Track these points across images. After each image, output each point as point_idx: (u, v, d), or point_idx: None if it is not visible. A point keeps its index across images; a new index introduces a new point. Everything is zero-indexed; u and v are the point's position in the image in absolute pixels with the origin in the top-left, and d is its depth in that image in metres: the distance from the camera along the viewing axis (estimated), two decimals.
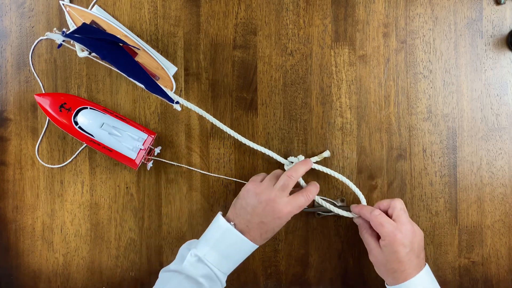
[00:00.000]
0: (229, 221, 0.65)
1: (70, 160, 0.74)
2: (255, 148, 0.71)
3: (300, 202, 0.64)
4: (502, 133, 0.72)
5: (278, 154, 0.72)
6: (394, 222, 0.63)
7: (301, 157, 0.70)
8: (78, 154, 0.74)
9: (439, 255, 0.73)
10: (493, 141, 0.72)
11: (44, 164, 0.74)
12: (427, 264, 0.65)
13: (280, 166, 0.73)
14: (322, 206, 0.71)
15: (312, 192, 0.66)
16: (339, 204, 0.72)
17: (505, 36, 0.72)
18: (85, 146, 0.73)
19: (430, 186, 0.73)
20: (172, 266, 0.65)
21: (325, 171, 0.70)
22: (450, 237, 0.73)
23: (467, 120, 0.72)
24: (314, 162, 0.71)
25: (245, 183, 0.70)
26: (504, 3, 0.72)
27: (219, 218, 0.65)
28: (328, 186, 0.73)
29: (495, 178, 0.72)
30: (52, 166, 0.74)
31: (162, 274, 0.65)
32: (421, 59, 0.72)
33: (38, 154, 0.74)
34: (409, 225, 0.63)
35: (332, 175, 0.70)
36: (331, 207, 0.70)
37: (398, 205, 0.64)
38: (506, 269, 0.73)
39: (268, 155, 0.72)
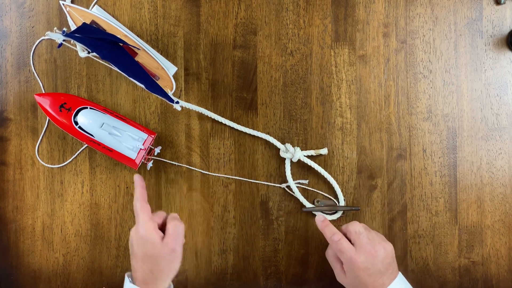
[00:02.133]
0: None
1: (70, 160, 0.74)
2: (255, 134, 0.71)
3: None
4: (502, 133, 0.72)
5: (278, 154, 0.72)
6: (353, 247, 0.62)
7: (297, 148, 0.70)
8: (78, 154, 0.74)
9: (439, 255, 0.73)
10: (493, 141, 0.72)
11: (44, 164, 0.74)
12: (399, 274, 0.63)
13: (278, 157, 0.73)
14: (321, 206, 0.71)
15: (173, 220, 0.62)
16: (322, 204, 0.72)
17: (505, 36, 0.72)
18: (86, 146, 0.73)
19: (430, 186, 0.73)
20: None
21: (311, 165, 0.71)
22: (450, 237, 0.73)
23: (467, 120, 0.72)
24: (308, 156, 0.71)
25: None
26: (504, 3, 0.72)
27: (125, 281, 0.62)
28: (328, 185, 0.73)
29: (495, 178, 0.72)
30: (52, 166, 0.74)
31: None
32: (421, 59, 0.72)
33: (38, 154, 0.74)
34: (369, 247, 0.61)
35: (317, 169, 0.71)
36: (329, 208, 0.70)
37: (352, 229, 0.63)
38: (506, 269, 0.73)
39: (268, 156, 0.72)
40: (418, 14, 0.72)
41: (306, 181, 0.72)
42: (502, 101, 0.72)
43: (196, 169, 0.73)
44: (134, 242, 0.61)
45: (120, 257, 0.74)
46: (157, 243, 0.59)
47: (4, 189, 0.74)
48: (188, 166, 0.73)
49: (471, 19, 0.72)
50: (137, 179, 0.63)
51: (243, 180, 0.73)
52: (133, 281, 0.61)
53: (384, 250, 0.62)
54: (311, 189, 0.73)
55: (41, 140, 0.74)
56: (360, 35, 0.72)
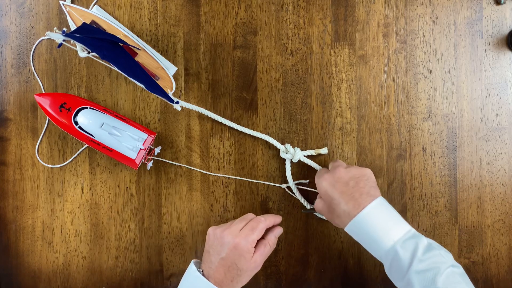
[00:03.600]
0: (200, 268, 0.64)
1: (70, 160, 0.74)
2: (255, 135, 0.71)
3: (263, 248, 0.64)
4: (502, 133, 0.72)
5: (278, 154, 0.72)
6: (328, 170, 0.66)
7: (297, 149, 0.70)
8: (78, 154, 0.74)
9: None
10: (493, 141, 0.72)
11: (44, 164, 0.74)
12: (378, 198, 0.61)
13: (278, 157, 0.73)
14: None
15: (271, 240, 0.65)
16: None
17: (505, 36, 0.72)
18: (86, 146, 0.73)
19: (430, 186, 0.73)
20: None
21: (311, 165, 0.71)
22: (450, 237, 0.73)
23: (467, 120, 0.72)
24: (308, 156, 0.72)
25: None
26: (504, 3, 0.72)
27: (190, 265, 0.64)
28: None
29: (495, 178, 0.72)
30: (52, 166, 0.74)
31: None
32: (421, 59, 0.72)
33: (38, 154, 0.74)
34: (339, 168, 0.64)
35: (317, 169, 0.71)
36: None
37: (330, 163, 0.68)
38: (506, 269, 0.73)
39: (268, 156, 0.72)
40: (418, 14, 0.72)
41: (306, 181, 0.72)
42: (502, 101, 0.72)
43: (196, 169, 0.73)
44: (227, 246, 0.62)
45: (120, 257, 0.74)
46: (249, 260, 0.62)
47: (4, 189, 0.74)
48: (187, 166, 0.73)
49: (471, 19, 0.72)
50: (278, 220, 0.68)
51: (243, 180, 0.73)
52: (204, 274, 0.63)
53: (356, 169, 0.64)
54: (312, 190, 0.73)
55: (41, 140, 0.74)
56: (360, 35, 0.72)
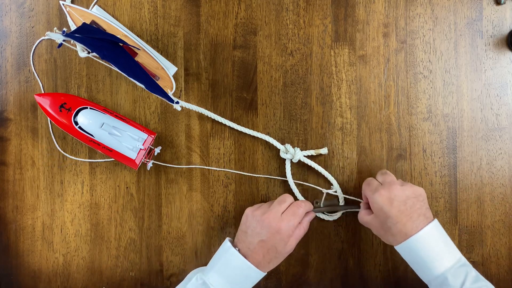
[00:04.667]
0: (235, 247, 0.65)
1: (82, 159, 0.74)
2: (255, 135, 0.71)
3: (300, 228, 0.66)
4: (502, 133, 0.72)
5: (278, 154, 0.72)
6: (380, 183, 0.65)
7: (297, 149, 0.70)
8: (78, 154, 0.74)
9: None
10: (493, 141, 0.72)
11: (71, 157, 0.74)
12: (434, 221, 0.62)
13: (278, 157, 0.73)
14: (320, 207, 0.71)
15: (305, 224, 0.67)
16: (335, 202, 0.72)
17: (505, 36, 0.72)
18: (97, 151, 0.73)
19: (430, 186, 0.73)
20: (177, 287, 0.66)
21: (311, 165, 0.71)
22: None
23: (467, 120, 0.72)
24: (308, 156, 0.72)
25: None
26: (504, 3, 0.72)
27: (225, 242, 0.65)
28: (329, 185, 0.73)
29: (495, 178, 0.72)
30: (78, 159, 0.74)
31: None
32: (421, 59, 0.72)
33: (62, 150, 0.74)
34: (393, 183, 0.63)
35: (317, 169, 0.71)
36: (335, 207, 0.71)
37: (378, 173, 0.67)
38: (506, 269, 0.73)
39: (268, 156, 0.72)
40: (418, 14, 0.72)
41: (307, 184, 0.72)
42: (502, 101, 0.72)
43: (196, 166, 0.73)
44: (268, 229, 0.63)
45: (120, 257, 0.74)
46: (287, 243, 0.64)
47: (4, 189, 0.74)
48: (187, 166, 0.73)
49: (471, 19, 0.72)
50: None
51: (243, 180, 0.73)
52: (245, 254, 0.64)
53: (411, 187, 0.63)
54: (313, 185, 0.72)
55: (41, 139, 0.74)
56: (360, 35, 0.72)
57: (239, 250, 0.64)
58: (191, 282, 0.64)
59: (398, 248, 0.62)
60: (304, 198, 0.72)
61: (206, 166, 0.73)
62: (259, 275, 0.64)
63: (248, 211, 0.66)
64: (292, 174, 0.72)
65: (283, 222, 0.64)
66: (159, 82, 0.69)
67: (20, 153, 0.74)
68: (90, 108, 0.70)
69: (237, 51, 0.73)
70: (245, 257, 0.63)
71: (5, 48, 0.74)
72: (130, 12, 0.73)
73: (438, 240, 0.61)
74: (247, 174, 0.73)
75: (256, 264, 0.63)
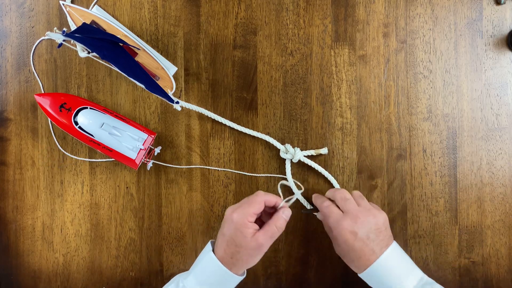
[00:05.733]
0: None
1: (68, 157, 0.74)
2: (255, 135, 0.71)
3: (270, 229, 0.62)
4: (502, 133, 0.72)
5: (278, 154, 0.72)
6: (341, 212, 0.64)
7: (297, 149, 0.70)
8: (78, 154, 0.74)
9: (439, 255, 0.73)
10: (493, 141, 0.72)
11: (70, 155, 0.74)
12: (393, 243, 0.63)
13: (278, 157, 0.73)
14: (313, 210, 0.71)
15: (278, 222, 0.62)
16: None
17: (505, 36, 0.72)
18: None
19: (430, 186, 0.73)
20: None
21: (311, 165, 0.71)
22: (450, 237, 0.73)
23: (467, 120, 0.72)
24: (308, 156, 0.71)
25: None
26: (504, 3, 0.72)
27: (208, 245, 0.64)
28: (329, 185, 0.73)
29: (495, 178, 0.72)
30: (78, 158, 0.74)
31: None
32: (421, 59, 0.72)
33: (64, 151, 0.74)
34: (356, 212, 0.62)
35: (317, 169, 0.71)
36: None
37: (338, 196, 0.65)
38: (506, 269, 0.73)
39: (268, 156, 0.72)
40: (418, 14, 0.72)
41: (301, 191, 0.71)
42: (502, 101, 0.72)
43: (197, 166, 0.73)
44: (226, 221, 0.62)
45: (120, 257, 0.74)
46: (247, 236, 0.60)
47: (4, 189, 0.74)
48: (187, 166, 0.73)
49: (471, 19, 0.72)
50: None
51: (243, 179, 0.73)
52: (214, 251, 0.62)
53: (374, 217, 0.63)
54: (318, 173, 0.72)
55: (42, 139, 0.74)
56: (360, 35, 0.72)
57: (213, 250, 0.63)
58: (171, 286, 0.63)
59: (361, 276, 0.63)
60: (304, 198, 0.72)
61: (206, 166, 0.73)
62: (233, 278, 0.62)
63: (227, 209, 0.64)
64: (292, 174, 0.72)
65: (236, 211, 0.61)
66: (159, 82, 0.69)
67: (20, 153, 0.74)
68: (90, 108, 0.70)
69: (237, 51, 0.73)
70: (216, 254, 0.62)
71: (5, 48, 0.74)
72: (130, 12, 0.73)
73: (399, 262, 0.62)
74: (247, 174, 0.73)
75: (221, 260, 0.61)
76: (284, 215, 0.62)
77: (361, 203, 0.65)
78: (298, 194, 0.70)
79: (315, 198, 0.68)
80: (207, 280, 0.62)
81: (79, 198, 0.74)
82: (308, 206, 0.72)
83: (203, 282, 0.62)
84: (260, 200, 0.62)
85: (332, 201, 0.66)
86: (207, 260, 0.62)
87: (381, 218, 0.63)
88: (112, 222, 0.74)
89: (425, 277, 0.63)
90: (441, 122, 0.72)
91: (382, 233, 0.63)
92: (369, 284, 0.63)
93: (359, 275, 0.64)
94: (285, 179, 0.72)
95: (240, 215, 0.60)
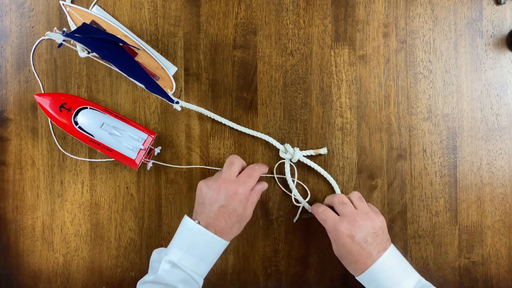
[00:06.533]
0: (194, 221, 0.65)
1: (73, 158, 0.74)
2: (255, 135, 0.72)
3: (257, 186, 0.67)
4: (502, 133, 0.72)
5: (278, 154, 0.72)
6: (337, 216, 0.65)
7: (297, 149, 0.70)
8: (78, 154, 0.74)
9: (439, 255, 0.73)
10: (493, 141, 0.72)
11: (69, 155, 0.74)
12: (390, 247, 0.64)
13: (278, 157, 0.73)
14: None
15: (258, 191, 0.67)
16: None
17: (505, 36, 0.72)
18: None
19: (430, 186, 0.73)
20: (147, 277, 0.64)
21: (311, 165, 0.71)
22: (450, 237, 0.73)
23: (467, 120, 0.72)
24: (307, 156, 0.72)
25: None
26: (504, 3, 0.72)
27: (186, 220, 0.65)
28: (328, 185, 0.73)
29: (495, 178, 0.72)
30: (78, 158, 0.74)
31: (140, 286, 0.64)
32: (421, 59, 0.72)
33: (64, 151, 0.74)
34: (353, 215, 0.64)
35: (317, 169, 0.71)
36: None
37: (336, 200, 0.66)
38: (506, 269, 0.73)
39: (268, 156, 0.72)
40: (418, 14, 0.72)
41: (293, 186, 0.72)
42: (502, 101, 0.72)
43: (197, 166, 0.73)
44: (226, 193, 0.64)
45: (120, 257, 0.74)
46: (246, 206, 0.65)
47: (4, 189, 0.74)
48: (187, 166, 0.73)
49: (471, 19, 0.72)
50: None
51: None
52: (202, 224, 0.64)
53: (371, 220, 0.64)
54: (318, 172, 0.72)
55: (42, 139, 0.74)
56: (360, 35, 0.72)
57: (199, 223, 0.64)
58: (160, 268, 0.63)
59: (359, 279, 0.64)
60: (304, 198, 0.72)
61: (206, 166, 0.73)
62: (221, 244, 0.64)
63: (201, 183, 0.66)
64: (292, 174, 0.72)
65: (239, 184, 0.64)
66: (159, 82, 0.69)
67: (20, 153, 0.74)
68: (90, 108, 0.70)
69: (237, 51, 0.73)
70: (207, 227, 0.63)
71: (5, 48, 0.74)
72: (130, 12, 0.73)
73: (396, 266, 0.63)
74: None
75: (220, 231, 0.63)
76: (262, 187, 0.69)
77: (358, 206, 0.65)
78: (304, 203, 0.71)
79: (314, 207, 0.69)
80: (201, 253, 0.63)
81: (79, 198, 0.74)
82: (307, 206, 0.72)
83: (202, 258, 0.64)
84: (258, 175, 0.67)
85: (332, 207, 0.68)
86: (208, 241, 0.63)
87: (379, 221, 0.64)
88: (112, 222, 0.74)
89: (422, 280, 0.63)
90: (441, 122, 0.72)
91: (379, 236, 0.63)
92: (367, 287, 0.64)
93: (357, 278, 0.64)
94: (285, 179, 0.72)
95: (244, 189, 0.64)
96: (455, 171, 0.72)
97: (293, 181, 0.71)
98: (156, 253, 0.66)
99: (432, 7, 0.72)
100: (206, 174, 0.73)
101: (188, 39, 0.73)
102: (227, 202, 0.63)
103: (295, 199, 0.71)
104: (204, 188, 0.65)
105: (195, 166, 0.73)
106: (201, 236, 0.63)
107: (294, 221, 0.72)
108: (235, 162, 0.66)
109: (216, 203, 0.64)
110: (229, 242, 0.65)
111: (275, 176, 0.73)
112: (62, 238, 0.74)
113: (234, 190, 0.64)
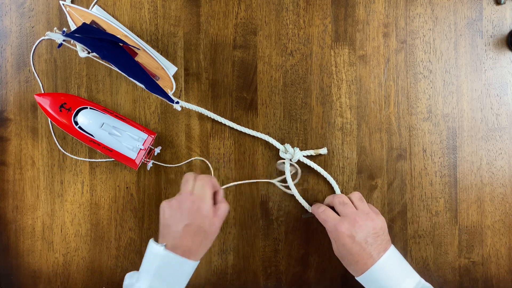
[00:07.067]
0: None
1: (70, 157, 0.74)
2: (255, 135, 0.71)
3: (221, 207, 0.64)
4: (502, 133, 0.72)
5: (278, 154, 0.72)
6: (337, 216, 0.65)
7: (297, 149, 0.70)
8: (78, 154, 0.74)
9: (439, 255, 0.73)
10: (493, 141, 0.72)
11: (69, 155, 0.74)
12: (391, 247, 0.64)
13: (278, 157, 0.73)
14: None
15: (223, 201, 0.66)
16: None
17: (505, 36, 0.72)
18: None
19: (430, 186, 0.73)
20: None
21: (311, 165, 0.71)
22: (450, 237, 0.73)
23: (467, 120, 0.72)
24: (307, 156, 0.72)
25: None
26: (504, 3, 0.72)
27: (151, 245, 0.63)
28: (328, 185, 0.73)
29: (495, 178, 0.72)
30: (78, 158, 0.74)
31: None
32: (421, 59, 0.72)
33: (64, 151, 0.74)
34: (354, 216, 0.63)
35: (317, 169, 0.71)
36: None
37: (336, 201, 0.66)
38: (506, 269, 0.73)
39: (268, 156, 0.72)
40: (418, 14, 0.72)
41: (289, 177, 0.72)
42: (502, 101, 0.72)
43: (197, 158, 0.73)
44: (188, 211, 0.62)
45: (120, 257, 0.74)
46: (212, 223, 0.63)
47: (4, 189, 0.74)
48: (185, 163, 0.73)
49: (471, 19, 0.72)
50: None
51: (243, 179, 0.73)
52: (168, 249, 0.62)
53: (372, 221, 0.64)
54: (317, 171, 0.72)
55: (42, 139, 0.74)
56: (360, 35, 0.72)
57: (166, 246, 0.62)
58: None
59: (359, 279, 0.64)
60: (304, 198, 0.72)
61: (206, 166, 0.73)
62: (190, 265, 0.62)
63: (164, 204, 0.64)
64: (295, 174, 0.72)
65: (198, 199, 0.62)
66: (159, 82, 0.69)
67: (20, 153, 0.74)
68: (90, 108, 0.70)
69: (237, 51, 0.73)
70: (174, 249, 0.61)
71: (5, 48, 0.74)
72: (130, 12, 0.73)
73: (396, 267, 0.63)
74: (245, 182, 0.73)
75: (188, 251, 0.62)
76: (221, 194, 0.67)
77: (359, 206, 0.65)
78: (305, 204, 0.72)
79: (314, 207, 0.69)
80: (173, 278, 0.62)
81: (79, 198, 0.74)
82: (307, 206, 0.72)
83: (172, 283, 0.62)
84: (209, 181, 0.64)
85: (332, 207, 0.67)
86: (176, 265, 0.61)
87: (379, 222, 0.64)
88: (112, 222, 0.74)
89: (422, 281, 0.63)
90: (441, 122, 0.72)
91: (379, 237, 0.63)
92: (367, 287, 0.64)
93: (357, 278, 0.64)
94: (285, 180, 0.72)
95: (205, 202, 0.62)
96: (455, 171, 0.72)
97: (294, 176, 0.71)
98: (128, 278, 0.65)
99: (432, 7, 0.72)
100: (206, 174, 0.73)
101: (188, 39, 0.73)
102: (191, 220, 0.62)
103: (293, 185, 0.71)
104: (167, 209, 0.63)
105: (195, 166, 0.73)
106: (168, 260, 0.61)
107: (302, 216, 0.72)
108: (189, 179, 0.64)
109: (181, 223, 0.62)
110: (199, 262, 0.64)
111: (277, 182, 0.73)
112: (62, 238, 0.74)
113: (196, 206, 0.62)
